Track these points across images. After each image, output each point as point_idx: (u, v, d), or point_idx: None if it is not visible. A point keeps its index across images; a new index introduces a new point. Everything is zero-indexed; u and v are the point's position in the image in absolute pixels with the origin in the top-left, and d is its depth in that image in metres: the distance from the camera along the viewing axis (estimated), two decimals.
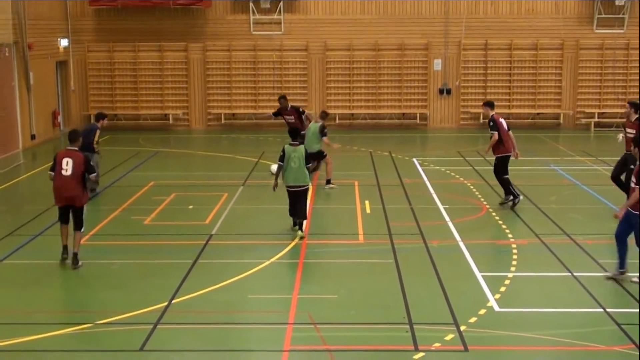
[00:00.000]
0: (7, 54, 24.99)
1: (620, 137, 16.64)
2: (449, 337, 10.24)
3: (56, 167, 13.38)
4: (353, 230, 15.57)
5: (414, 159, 23.41)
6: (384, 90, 30.72)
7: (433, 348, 9.90)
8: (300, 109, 21.60)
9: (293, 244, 14.57)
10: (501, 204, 17.17)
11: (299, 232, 14.97)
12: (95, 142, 18.43)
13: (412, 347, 9.93)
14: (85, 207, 13.56)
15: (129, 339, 10.37)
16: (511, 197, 16.99)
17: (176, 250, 14.39)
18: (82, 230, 13.53)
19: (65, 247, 13.60)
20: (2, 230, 15.60)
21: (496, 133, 16.78)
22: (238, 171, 21.62)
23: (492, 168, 17.41)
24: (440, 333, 10.36)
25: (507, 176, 17.03)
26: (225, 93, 30.97)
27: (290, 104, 21.68)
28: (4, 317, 11.24)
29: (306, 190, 15.36)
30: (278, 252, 14.09)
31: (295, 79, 30.82)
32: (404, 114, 30.72)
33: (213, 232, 15.44)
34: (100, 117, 19.39)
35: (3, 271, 13.47)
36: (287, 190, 15.31)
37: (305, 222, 15.26)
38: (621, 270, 12.44)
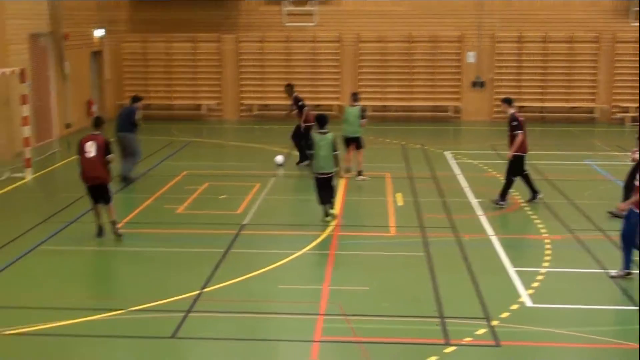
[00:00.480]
0: (43, 44, 25.22)
1: None
2: (481, 331, 10.21)
3: (81, 151, 14.44)
4: (384, 222, 15.56)
5: (447, 152, 23.32)
6: (416, 83, 30.59)
7: (464, 342, 9.88)
8: (300, 102, 21.28)
9: (324, 235, 14.60)
10: (530, 200, 16.97)
11: (331, 211, 15.30)
12: (137, 121, 19.19)
13: (443, 341, 9.92)
14: (109, 185, 14.53)
15: (161, 326, 10.46)
16: (536, 194, 16.84)
17: (208, 240, 14.47)
18: (111, 202, 14.57)
19: (100, 227, 14.55)
20: (38, 217, 15.78)
21: (521, 133, 16.35)
22: (270, 162, 21.65)
23: (508, 167, 16.76)
24: (471, 327, 10.34)
25: (526, 172, 16.78)
26: (257, 84, 31.02)
27: (295, 94, 21.57)
28: (39, 301, 11.38)
29: (332, 177, 15.50)
30: (309, 243, 14.12)
31: (327, 71, 30.78)
32: (436, 106, 30.59)
33: (245, 222, 15.51)
34: (136, 99, 19.92)
35: (38, 257, 13.63)
36: (315, 178, 15.47)
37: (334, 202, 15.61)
38: (626, 270, 12.20)
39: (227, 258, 13.32)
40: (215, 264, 12.89)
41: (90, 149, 14.37)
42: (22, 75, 20.11)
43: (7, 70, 19.88)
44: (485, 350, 9.75)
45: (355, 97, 20.01)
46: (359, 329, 10.28)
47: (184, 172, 20.19)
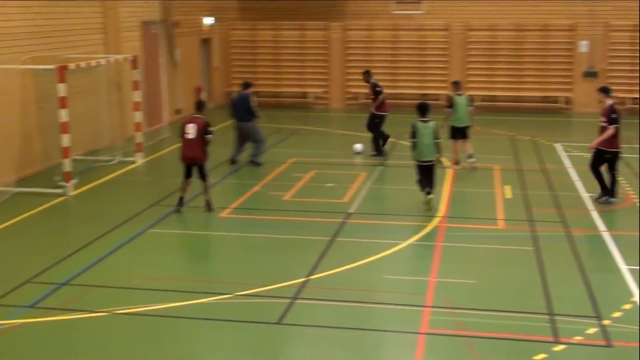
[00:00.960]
0: (154, 32, 25.77)
1: None
2: (591, 330, 9.94)
3: (182, 132, 15.40)
4: (492, 215, 15.32)
5: (557, 144, 22.80)
6: (526, 72, 29.98)
7: (574, 341, 9.63)
8: (378, 88, 21.17)
9: (431, 226, 14.48)
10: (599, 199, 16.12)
11: (430, 196, 15.44)
12: (254, 108, 19.53)
13: (552, 339, 9.69)
14: (206, 164, 15.47)
15: (267, 311, 10.57)
16: (606, 195, 16.05)
17: (314, 227, 14.54)
18: (208, 181, 15.56)
19: (181, 199, 15.58)
20: (148, 200, 16.17)
21: (615, 126, 15.51)
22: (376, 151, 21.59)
23: (591, 161, 16.04)
24: (581, 326, 10.07)
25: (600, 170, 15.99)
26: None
27: (373, 79, 21.48)
28: (148, 283, 11.65)
29: (434, 165, 15.55)
30: (416, 233, 14.03)
31: (435, 59, 30.48)
32: (546, 97, 29.94)
33: (351, 211, 15.51)
34: (247, 85, 20.27)
35: (148, 239, 13.97)
36: (418, 166, 15.53)
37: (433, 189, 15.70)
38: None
39: (333, 246, 13.35)
40: (321, 252, 12.94)
41: (191, 131, 15.28)
42: (134, 61, 20.60)
43: (120, 56, 20.39)
44: (596, 350, 9.48)
45: (458, 85, 19.73)
46: (465, 322, 10.15)
47: (291, 160, 20.33)
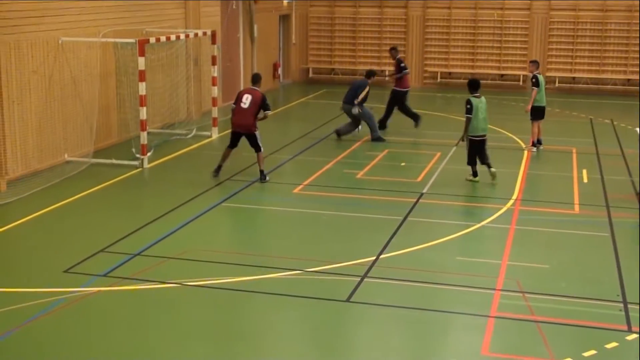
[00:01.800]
0: (234, 7, 25.90)
1: None
2: None
3: (237, 101, 16.00)
4: (568, 199, 15.03)
5: (637, 129, 22.20)
6: (608, 54, 29.25)
7: None
8: (402, 64, 21.56)
9: (505, 208, 14.29)
10: None
11: (493, 170, 15.95)
12: (360, 98, 19.62)
13: (626, 327, 9.48)
14: (257, 134, 15.95)
15: (336, 288, 10.58)
16: None
17: (386, 206, 14.49)
18: (261, 151, 16.03)
19: (219, 167, 16.23)
20: (222, 175, 16.29)
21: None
22: (451, 131, 21.38)
23: None
24: None
25: None
26: (442, 51, 30.65)
27: (399, 55, 22.06)
28: (219, 256, 11.78)
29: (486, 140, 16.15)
30: (489, 216, 13.86)
31: (515, 39, 29.95)
32: (629, 80, 29.17)
33: (424, 191, 15.40)
34: (371, 74, 20.30)
35: (220, 213, 14.12)
36: (473, 140, 15.93)
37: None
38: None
39: (405, 226, 13.28)
40: (393, 231, 12.89)
41: (246, 101, 15.88)
42: (213, 36, 20.75)
43: (200, 31, 20.56)
44: None
45: (537, 64, 19.40)
46: (536, 307, 10.00)
47: (365, 138, 20.27)
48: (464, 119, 15.96)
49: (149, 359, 8.52)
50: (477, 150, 15.94)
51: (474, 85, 15.98)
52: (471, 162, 16.04)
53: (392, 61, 22.96)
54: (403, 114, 21.63)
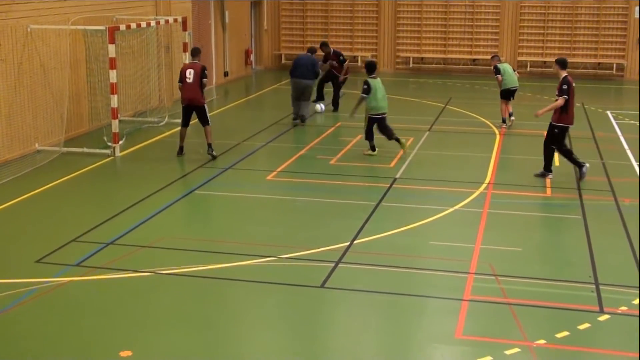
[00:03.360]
0: None
1: None
2: (637, 300, 9.77)
3: (183, 78, 16.47)
4: (540, 182, 15.12)
5: (608, 112, 22.40)
6: (579, 39, 29.43)
7: (619, 311, 9.49)
8: (341, 57, 22.26)
9: (477, 192, 14.35)
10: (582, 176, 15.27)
11: (403, 140, 16.97)
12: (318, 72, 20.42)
13: (597, 308, 9.56)
14: (206, 107, 16.50)
15: (310, 274, 10.58)
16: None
17: (359, 192, 14.51)
18: (209, 125, 16.52)
19: (181, 148, 16.80)
20: (194, 162, 16.25)
21: (564, 98, 14.83)
22: (424, 116, 21.44)
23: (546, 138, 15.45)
24: (627, 296, 9.91)
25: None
26: (415, 37, 30.68)
27: (333, 48, 22.71)
28: (192, 244, 11.74)
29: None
30: (462, 200, 13.91)
31: (487, 24, 30.05)
32: (599, 63, 29.37)
33: (397, 176, 15.43)
34: (313, 51, 21.07)
35: (193, 201, 14.07)
36: (374, 118, 16.84)
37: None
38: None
39: (378, 211, 13.30)
40: (367, 217, 12.91)
41: (190, 75, 16.36)
42: (184, 23, 20.62)
43: (171, 18, 20.42)
44: None
45: (496, 57, 20.40)
46: (509, 290, 10.06)
47: (338, 124, 20.27)
48: (359, 98, 17.05)
49: (123, 348, 8.47)
50: (380, 128, 16.86)
51: (370, 67, 17.04)
52: (369, 137, 16.92)
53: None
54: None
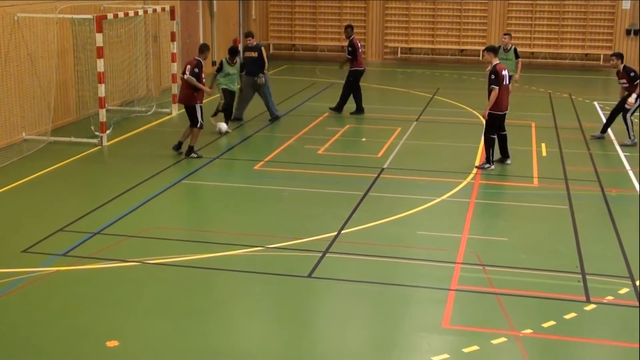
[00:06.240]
0: None
1: None
2: (623, 290, 9.84)
3: (182, 73, 15.79)
4: (528, 172, 15.17)
5: (595, 102, 22.47)
6: (566, 29, 29.48)
7: (605, 301, 9.54)
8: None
9: (465, 182, 14.38)
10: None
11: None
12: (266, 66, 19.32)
13: (584, 298, 9.61)
14: (197, 107, 15.56)
15: (298, 264, 10.59)
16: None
17: (347, 182, 14.51)
18: (197, 126, 15.61)
19: (180, 143, 15.99)
20: (182, 154, 16.18)
21: (496, 87, 14.88)
22: (412, 106, 21.45)
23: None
24: (613, 286, 9.98)
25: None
26: (402, 27, 30.66)
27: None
28: (180, 234, 11.74)
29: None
30: (449, 190, 13.94)
31: (475, 14, 30.06)
32: (586, 54, 29.44)
33: (385, 166, 15.45)
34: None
35: (181, 190, 14.05)
36: (229, 92, 18.25)
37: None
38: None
39: (366, 201, 13.32)
40: (354, 207, 12.92)
41: (186, 72, 15.64)
42: (172, 12, 20.55)
43: (158, 7, 20.34)
44: (628, 310, 9.38)
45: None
46: (496, 280, 10.10)
47: (326, 114, 20.26)
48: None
49: (109, 338, 8.46)
50: (231, 101, 18.27)
51: (231, 52, 18.07)
52: (225, 111, 18.21)
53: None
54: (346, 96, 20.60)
